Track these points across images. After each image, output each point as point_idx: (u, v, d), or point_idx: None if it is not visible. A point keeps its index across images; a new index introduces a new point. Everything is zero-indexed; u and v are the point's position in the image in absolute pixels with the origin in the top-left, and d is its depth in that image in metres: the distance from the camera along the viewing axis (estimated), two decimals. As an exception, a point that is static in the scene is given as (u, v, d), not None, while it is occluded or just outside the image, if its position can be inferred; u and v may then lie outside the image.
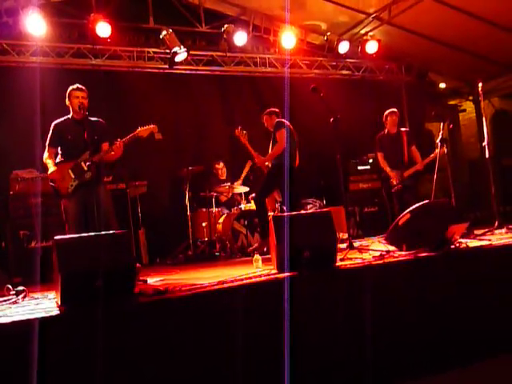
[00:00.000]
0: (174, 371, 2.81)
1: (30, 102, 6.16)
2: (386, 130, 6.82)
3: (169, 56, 7.53)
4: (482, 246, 4.17)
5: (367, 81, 9.34)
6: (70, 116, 4.88)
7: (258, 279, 3.34)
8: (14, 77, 6.80)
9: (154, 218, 7.44)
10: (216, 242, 6.88)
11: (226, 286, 3.17)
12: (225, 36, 7.66)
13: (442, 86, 10.20)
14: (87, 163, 4.66)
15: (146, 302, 2.94)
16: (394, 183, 6.58)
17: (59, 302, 2.92)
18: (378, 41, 8.24)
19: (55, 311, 2.80)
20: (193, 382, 2.85)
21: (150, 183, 7.36)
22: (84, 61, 7.36)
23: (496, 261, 3.96)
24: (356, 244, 4.95)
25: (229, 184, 7.41)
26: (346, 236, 5.83)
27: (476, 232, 5.10)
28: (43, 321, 2.59)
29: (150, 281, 4.24)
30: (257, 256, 4.33)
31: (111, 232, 3.33)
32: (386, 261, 3.72)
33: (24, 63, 6.98)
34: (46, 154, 4.82)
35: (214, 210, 7.23)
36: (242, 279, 3.33)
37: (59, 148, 4.83)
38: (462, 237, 4.37)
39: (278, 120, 5.91)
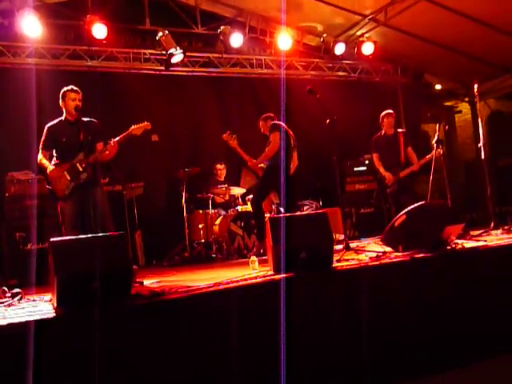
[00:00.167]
0: (170, 373, 2.81)
1: (26, 103, 6.14)
2: (383, 132, 6.84)
3: (165, 57, 7.53)
4: (477, 246, 4.18)
5: (363, 82, 9.35)
6: (63, 118, 4.85)
7: (254, 281, 3.34)
8: (9, 78, 6.79)
9: (150, 220, 7.44)
10: (212, 244, 6.88)
11: (222, 287, 3.17)
12: (221, 37, 7.67)
13: (438, 87, 10.22)
14: (82, 164, 4.64)
15: (142, 304, 2.93)
16: (388, 184, 6.60)
17: (55, 304, 2.91)
18: (374, 42, 8.26)
19: (51, 313, 2.79)
20: (190, 383, 2.85)
21: (147, 185, 7.37)
22: (80, 62, 7.35)
23: (492, 261, 3.97)
24: (352, 245, 4.96)
25: (225, 185, 7.41)
26: (342, 237, 5.84)
27: (472, 233, 5.12)
28: (39, 323, 2.59)
29: (147, 282, 4.23)
30: (253, 257, 4.33)
31: (107, 234, 3.32)
32: (382, 262, 3.72)
33: (20, 65, 6.97)
34: (40, 156, 4.80)
35: (211, 211, 7.22)
36: (238, 281, 3.33)
37: (54, 151, 4.81)
38: (458, 238, 4.38)
39: (273, 122, 5.91)
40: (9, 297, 3.53)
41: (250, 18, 8.12)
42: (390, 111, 6.81)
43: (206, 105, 8.49)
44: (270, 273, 3.58)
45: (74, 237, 3.34)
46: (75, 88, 4.79)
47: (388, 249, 4.25)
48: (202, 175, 7.52)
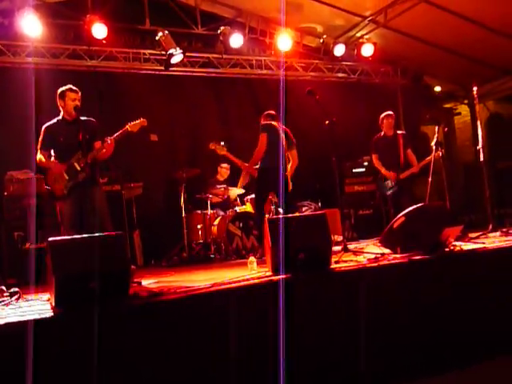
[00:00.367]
0: (169, 372, 2.80)
1: (26, 102, 6.13)
2: (382, 133, 6.83)
3: (165, 58, 7.53)
4: (476, 248, 4.18)
5: (363, 84, 9.36)
6: (60, 117, 4.84)
7: (252, 281, 3.34)
8: (9, 77, 6.79)
9: (149, 220, 7.44)
10: (211, 244, 6.88)
11: (220, 288, 3.17)
12: (221, 38, 7.67)
13: (438, 89, 10.23)
14: (81, 164, 4.63)
15: (140, 304, 2.93)
16: (390, 184, 6.60)
17: (53, 304, 2.91)
18: (374, 44, 8.27)
19: (49, 313, 2.79)
20: (188, 383, 2.85)
21: (146, 185, 7.37)
22: (79, 62, 7.36)
23: (490, 264, 3.97)
24: (351, 246, 4.96)
25: (224, 186, 7.41)
26: (340, 238, 5.83)
27: (470, 235, 5.11)
28: (37, 323, 2.58)
29: (145, 283, 4.23)
30: (252, 258, 4.33)
31: (106, 233, 3.32)
32: (380, 263, 3.72)
33: (19, 64, 6.98)
34: (39, 156, 4.79)
35: (209, 211, 7.22)
36: (236, 281, 3.33)
37: (52, 151, 4.80)
38: (457, 240, 4.38)
39: (263, 123, 5.85)
40: (7, 296, 3.52)
41: (250, 18, 8.13)
42: (390, 112, 6.81)
43: (206, 105, 8.49)
44: (268, 273, 3.58)
45: (72, 236, 3.34)
46: (74, 88, 4.78)
47: (386, 250, 4.25)
48: (201, 176, 7.52)
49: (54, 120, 4.84)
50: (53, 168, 4.68)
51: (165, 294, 3.09)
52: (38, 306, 3.13)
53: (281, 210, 5.54)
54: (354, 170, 8.61)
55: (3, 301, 3.40)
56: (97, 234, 3.29)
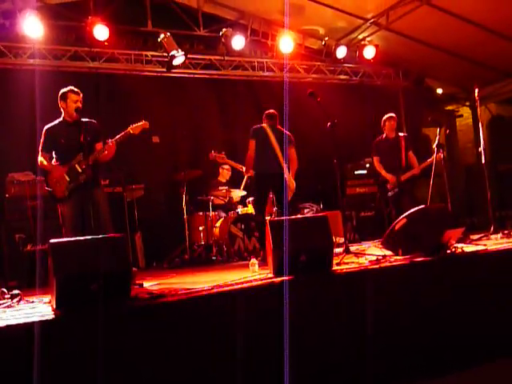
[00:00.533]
0: (170, 373, 2.80)
1: (27, 104, 6.15)
2: (384, 135, 6.82)
3: (167, 59, 7.54)
4: (477, 250, 4.17)
5: (365, 86, 9.36)
6: (61, 119, 4.82)
7: (254, 283, 3.33)
8: (11, 79, 6.80)
9: (150, 222, 7.44)
10: (213, 246, 6.87)
11: (222, 290, 3.16)
12: (223, 40, 7.68)
13: (439, 91, 10.23)
14: (82, 165, 4.63)
15: (141, 306, 2.93)
16: (390, 187, 6.59)
17: (54, 306, 2.91)
18: (376, 46, 8.28)
19: (50, 315, 2.78)
20: (188, 383, 2.85)
21: (147, 186, 7.37)
22: (81, 63, 7.36)
23: (491, 266, 3.97)
24: (352, 248, 4.95)
25: (226, 188, 7.40)
26: (342, 240, 5.83)
27: (472, 237, 5.11)
28: (38, 325, 2.58)
29: (146, 285, 4.23)
30: (253, 260, 4.32)
31: (107, 235, 3.32)
32: (382, 265, 3.72)
33: (21, 65, 6.99)
34: (40, 158, 4.77)
35: (211, 213, 7.22)
36: (238, 283, 3.32)
37: (53, 152, 4.80)
38: (458, 242, 4.37)
39: (251, 129, 5.88)
40: (8, 298, 3.52)
41: (252, 20, 8.13)
42: (393, 115, 6.79)
43: (207, 107, 8.50)
44: (270, 275, 3.58)
45: (73, 238, 3.34)
46: (76, 89, 4.77)
47: (388, 252, 4.24)
48: (203, 177, 7.53)
49: (56, 122, 4.83)
50: (53, 171, 4.68)
51: (166, 295, 3.08)
52: (39, 308, 3.12)
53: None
54: (355, 172, 8.60)
55: (4, 303, 3.39)
56: (98, 236, 3.28)
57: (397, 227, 4.24)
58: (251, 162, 5.81)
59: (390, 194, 6.65)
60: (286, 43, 7.97)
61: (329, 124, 4.93)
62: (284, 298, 3.08)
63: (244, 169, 6.13)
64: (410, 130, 9.19)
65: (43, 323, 2.61)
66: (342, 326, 3.29)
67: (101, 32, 6.75)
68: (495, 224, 5.70)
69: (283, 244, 3.44)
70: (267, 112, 5.98)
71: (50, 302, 3.18)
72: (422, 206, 4.45)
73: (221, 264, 6.36)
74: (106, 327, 2.67)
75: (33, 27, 6.43)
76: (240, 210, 7.25)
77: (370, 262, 3.91)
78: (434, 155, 6.00)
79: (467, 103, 10.58)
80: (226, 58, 8.18)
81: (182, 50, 7.42)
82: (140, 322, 2.82)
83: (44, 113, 5.89)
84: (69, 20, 7.19)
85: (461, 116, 10.96)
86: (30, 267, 5.52)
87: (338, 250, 4.71)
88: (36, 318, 2.67)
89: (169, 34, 7.30)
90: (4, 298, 3.52)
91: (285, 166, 5.71)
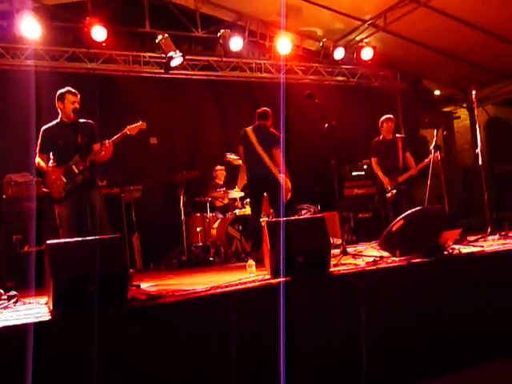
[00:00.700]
0: (167, 375, 2.80)
1: (25, 105, 6.13)
2: (382, 136, 6.83)
3: (164, 60, 7.53)
4: (474, 252, 4.18)
5: (362, 87, 9.38)
6: (58, 120, 4.82)
7: (251, 285, 3.33)
8: (8, 80, 6.79)
9: (148, 223, 7.43)
10: (210, 247, 6.87)
11: (219, 291, 3.16)
12: (221, 41, 7.68)
13: (437, 93, 10.25)
14: (79, 167, 4.62)
15: (138, 308, 2.92)
16: (387, 189, 6.60)
17: (51, 307, 2.90)
18: (374, 47, 8.29)
19: (47, 316, 2.78)
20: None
21: (145, 188, 7.36)
22: (79, 64, 7.36)
23: (489, 267, 3.98)
24: (350, 250, 4.95)
25: (224, 189, 7.40)
26: (339, 241, 5.82)
27: (469, 238, 5.12)
28: (35, 326, 2.57)
29: (144, 286, 4.23)
30: (250, 261, 4.32)
31: (104, 236, 3.31)
32: (379, 267, 3.72)
33: (19, 66, 6.98)
34: (38, 160, 4.77)
35: (209, 214, 7.22)
36: (235, 284, 3.33)
37: (51, 153, 4.79)
38: (455, 243, 4.38)
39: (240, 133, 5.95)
40: (5, 299, 3.51)
41: (250, 21, 8.14)
42: (391, 116, 6.80)
43: (205, 108, 8.51)
44: (267, 277, 3.58)
45: (70, 239, 3.33)
46: (73, 90, 4.76)
47: (385, 253, 4.24)
48: (201, 178, 7.53)
49: (53, 122, 4.82)
50: (50, 172, 4.67)
51: (163, 297, 3.08)
52: (35, 310, 3.12)
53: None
54: (353, 173, 8.61)
55: (1, 304, 3.38)
56: (95, 237, 3.28)
57: (394, 228, 4.25)
58: (244, 166, 5.97)
59: (387, 195, 6.66)
60: (284, 44, 7.98)
61: (326, 125, 4.93)
62: (281, 299, 3.08)
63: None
64: (407, 132, 9.20)
65: (40, 324, 2.61)
66: (340, 327, 3.29)
67: (98, 33, 6.74)
68: (492, 225, 5.71)
69: (280, 245, 3.44)
70: (258, 111, 5.99)
71: (46, 303, 3.18)
72: (420, 208, 4.45)
73: (218, 265, 6.36)
74: (103, 328, 2.66)
75: (30, 28, 6.42)
76: (237, 211, 7.25)
77: (367, 263, 3.91)
78: (431, 156, 6.01)
79: (464, 105, 10.61)
80: (224, 59, 8.18)
81: (180, 51, 7.42)
82: (137, 324, 2.81)
83: (41, 114, 5.90)
84: (66, 21, 7.19)
85: (458, 117, 10.98)
86: (27, 268, 5.50)
87: (335, 252, 4.72)
88: (33, 319, 2.67)
89: (167, 35, 7.30)
90: (1, 299, 3.52)
91: (273, 166, 5.65)
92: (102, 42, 6.83)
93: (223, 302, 3.07)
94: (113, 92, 7.57)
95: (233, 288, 3.23)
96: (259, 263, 4.35)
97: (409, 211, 4.29)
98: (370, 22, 8.01)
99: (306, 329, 3.20)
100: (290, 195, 5.84)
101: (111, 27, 6.87)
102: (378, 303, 3.43)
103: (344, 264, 3.99)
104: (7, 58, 6.91)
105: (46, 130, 4.80)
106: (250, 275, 3.94)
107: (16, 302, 3.47)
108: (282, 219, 3.76)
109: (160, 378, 2.78)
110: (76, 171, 4.63)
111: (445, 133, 7.43)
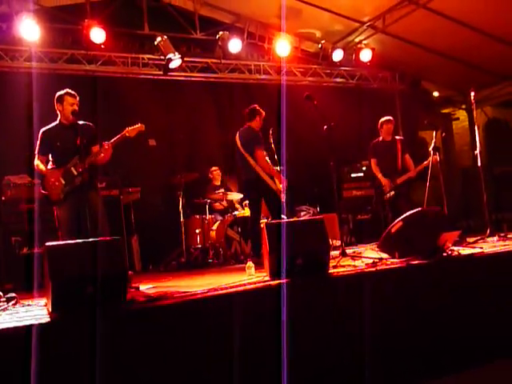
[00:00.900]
0: (165, 376, 2.80)
1: (24, 107, 6.14)
2: (381, 138, 6.83)
3: (163, 62, 7.53)
4: (473, 253, 4.19)
5: (361, 89, 9.38)
6: (57, 122, 4.81)
7: (250, 286, 3.33)
8: (7, 82, 6.80)
9: (147, 225, 7.42)
10: (209, 249, 6.87)
11: (218, 293, 3.16)
12: (219, 43, 7.68)
13: (436, 94, 10.25)
14: (79, 169, 4.61)
15: (137, 309, 2.92)
16: (386, 190, 6.60)
17: (50, 309, 2.90)
18: (372, 49, 8.29)
19: (46, 318, 2.78)
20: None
21: (144, 190, 7.34)
22: (78, 66, 7.35)
23: (488, 268, 3.98)
24: (349, 251, 4.95)
25: (222, 190, 7.41)
26: (338, 243, 5.83)
27: (468, 240, 5.12)
28: (34, 328, 2.57)
29: (142, 288, 4.22)
30: (250, 263, 4.32)
31: (103, 238, 3.31)
32: (378, 268, 3.72)
33: (18, 68, 6.97)
34: (37, 162, 4.76)
35: (208, 216, 7.21)
36: (234, 286, 3.33)
37: (49, 155, 4.78)
38: (454, 244, 4.38)
39: None
40: (3, 301, 3.51)
41: (249, 23, 8.15)
42: (390, 118, 6.79)
43: (204, 110, 8.51)
44: (266, 278, 3.58)
45: (69, 241, 3.33)
46: (72, 92, 4.76)
47: (384, 255, 4.25)
48: (200, 180, 7.53)
49: (52, 124, 4.82)
50: (49, 175, 4.67)
51: (162, 298, 3.08)
52: (34, 311, 3.12)
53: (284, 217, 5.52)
54: (352, 175, 8.61)
55: (0, 306, 3.38)
56: (94, 239, 3.28)
57: (393, 230, 4.25)
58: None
59: (386, 196, 6.66)
60: (283, 46, 7.98)
61: (325, 127, 4.93)
62: (281, 301, 3.08)
63: None
64: (406, 133, 9.19)
65: (39, 326, 2.61)
66: (339, 329, 3.29)
67: (97, 35, 6.73)
68: (491, 227, 5.72)
69: (280, 247, 3.44)
70: (242, 112, 5.99)
71: (46, 305, 3.18)
72: (419, 209, 4.46)
73: (217, 267, 6.35)
74: (102, 330, 2.66)
75: (29, 30, 6.41)
76: (237, 212, 7.25)
77: (366, 264, 3.91)
78: (430, 158, 6.01)
79: (463, 106, 10.61)
80: (223, 61, 8.18)
81: (179, 53, 7.42)
82: (136, 325, 2.81)
83: (40, 116, 5.88)
84: (65, 23, 7.18)
85: (457, 119, 10.99)
86: (26, 270, 5.50)
87: (334, 253, 4.72)
88: (32, 321, 2.67)
89: (165, 37, 7.30)
90: (0, 301, 3.51)
91: (261, 170, 5.57)
92: (101, 44, 6.82)
93: (222, 304, 3.07)
94: (112, 94, 7.56)
95: (232, 290, 3.23)
96: (258, 265, 4.35)
97: (408, 213, 4.29)
98: (368, 24, 8.01)
99: (304, 330, 3.20)
100: (283, 197, 5.75)
101: (110, 29, 6.87)
102: (377, 305, 3.43)
103: (343, 266, 3.99)
104: (6, 59, 6.91)
105: (44, 131, 4.79)
106: (249, 277, 3.94)
107: (15, 303, 3.47)
108: (281, 221, 3.77)
109: (159, 379, 2.78)
110: (75, 173, 4.63)
111: (444, 134, 7.45)
